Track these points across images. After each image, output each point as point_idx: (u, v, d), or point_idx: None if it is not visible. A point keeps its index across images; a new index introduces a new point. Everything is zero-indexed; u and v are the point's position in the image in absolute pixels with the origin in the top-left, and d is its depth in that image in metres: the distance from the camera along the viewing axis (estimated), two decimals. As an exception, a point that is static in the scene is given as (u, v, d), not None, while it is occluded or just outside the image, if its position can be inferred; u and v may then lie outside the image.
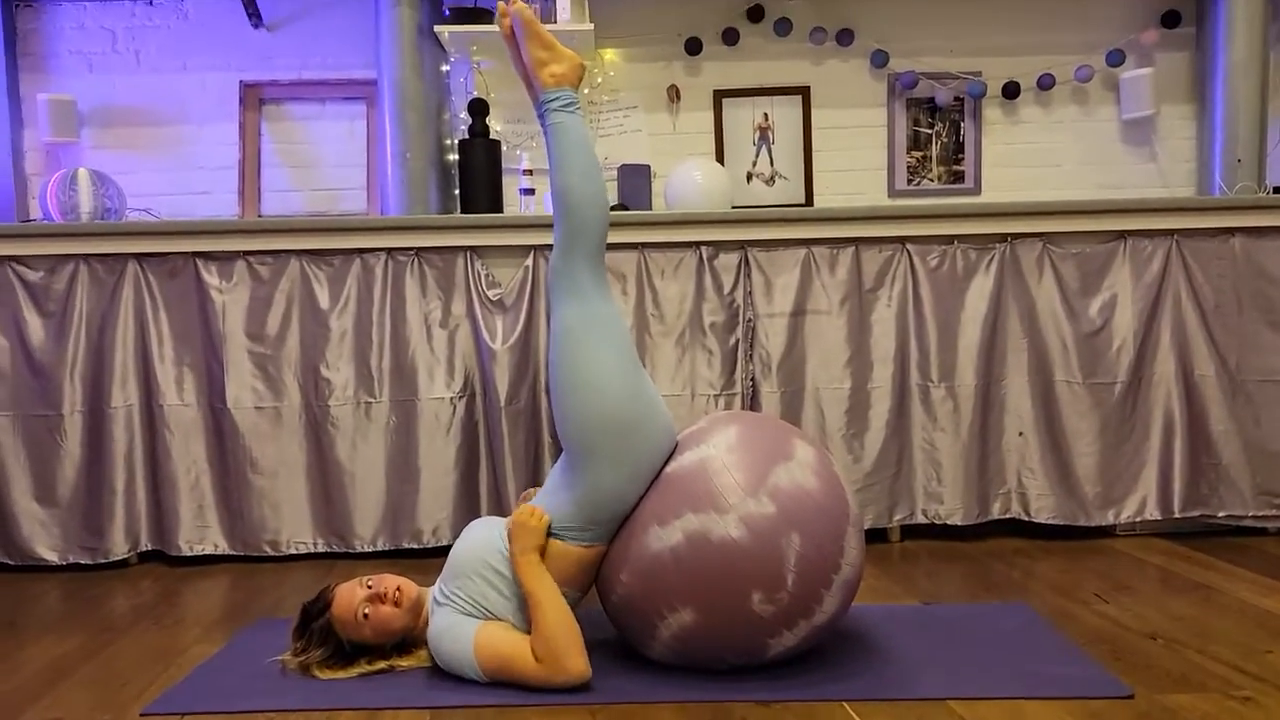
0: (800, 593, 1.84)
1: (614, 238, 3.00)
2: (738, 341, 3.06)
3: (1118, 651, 2.06)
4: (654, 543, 1.89)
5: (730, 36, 3.72)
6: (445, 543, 2.94)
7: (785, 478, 1.88)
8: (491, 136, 3.49)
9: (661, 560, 1.86)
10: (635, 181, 3.50)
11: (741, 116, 3.77)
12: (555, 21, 3.39)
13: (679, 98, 3.75)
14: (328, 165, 3.71)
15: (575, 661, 1.85)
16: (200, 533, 3.01)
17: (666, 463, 1.98)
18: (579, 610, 1.97)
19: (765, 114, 3.77)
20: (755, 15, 3.72)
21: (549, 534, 1.97)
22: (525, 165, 3.45)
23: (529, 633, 1.93)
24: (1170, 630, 2.19)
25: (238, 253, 3.00)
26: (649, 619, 1.91)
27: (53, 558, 2.97)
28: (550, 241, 2.97)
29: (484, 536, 2.04)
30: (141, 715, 1.86)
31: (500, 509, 2.98)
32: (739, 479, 1.87)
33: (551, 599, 1.88)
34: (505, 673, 1.88)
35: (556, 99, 2.04)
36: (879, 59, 3.73)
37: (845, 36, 3.73)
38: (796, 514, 1.85)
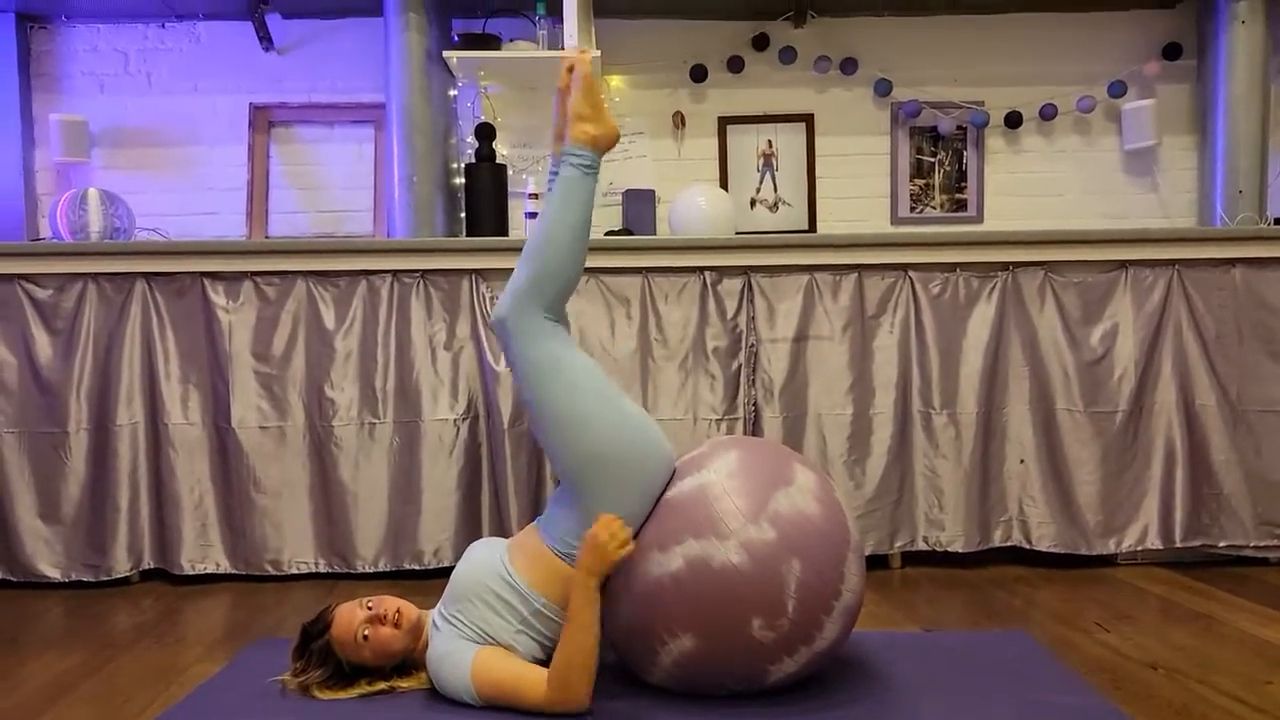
0: (801, 619, 1.84)
1: (618, 261, 3.04)
2: (740, 366, 3.07)
3: (1118, 681, 2.06)
4: (654, 568, 1.89)
5: (735, 64, 3.76)
6: (447, 564, 2.94)
7: (786, 503, 1.88)
8: (498, 160, 3.52)
9: (662, 586, 1.87)
10: (640, 207, 3.53)
11: (746, 143, 3.80)
12: (562, 47, 3.43)
13: (684, 124, 3.79)
14: (335, 187, 3.74)
15: (582, 692, 1.84)
16: (203, 551, 3.02)
17: (667, 487, 1.98)
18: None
19: (769, 141, 3.80)
20: (760, 43, 3.76)
21: (557, 553, 1.97)
22: (531, 189, 3.48)
23: (527, 659, 1.94)
24: (1171, 660, 2.19)
25: (245, 273, 3.02)
26: (649, 645, 1.90)
27: (55, 575, 2.97)
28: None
29: (485, 559, 2.04)
30: (142, 734, 1.86)
31: (502, 530, 2.99)
32: (739, 505, 1.87)
33: (591, 627, 1.85)
34: (501, 698, 1.88)
35: (580, 156, 2.06)
36: (882, 88, 3.77)
37: (849, 65, 3.77)
38: (797, 540, 1.85)
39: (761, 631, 1.83)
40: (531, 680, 1.87)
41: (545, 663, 1.96)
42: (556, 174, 2.09)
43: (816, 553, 1.86)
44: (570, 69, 2.11)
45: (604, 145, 2.10)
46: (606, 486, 1.93)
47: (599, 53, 3.47)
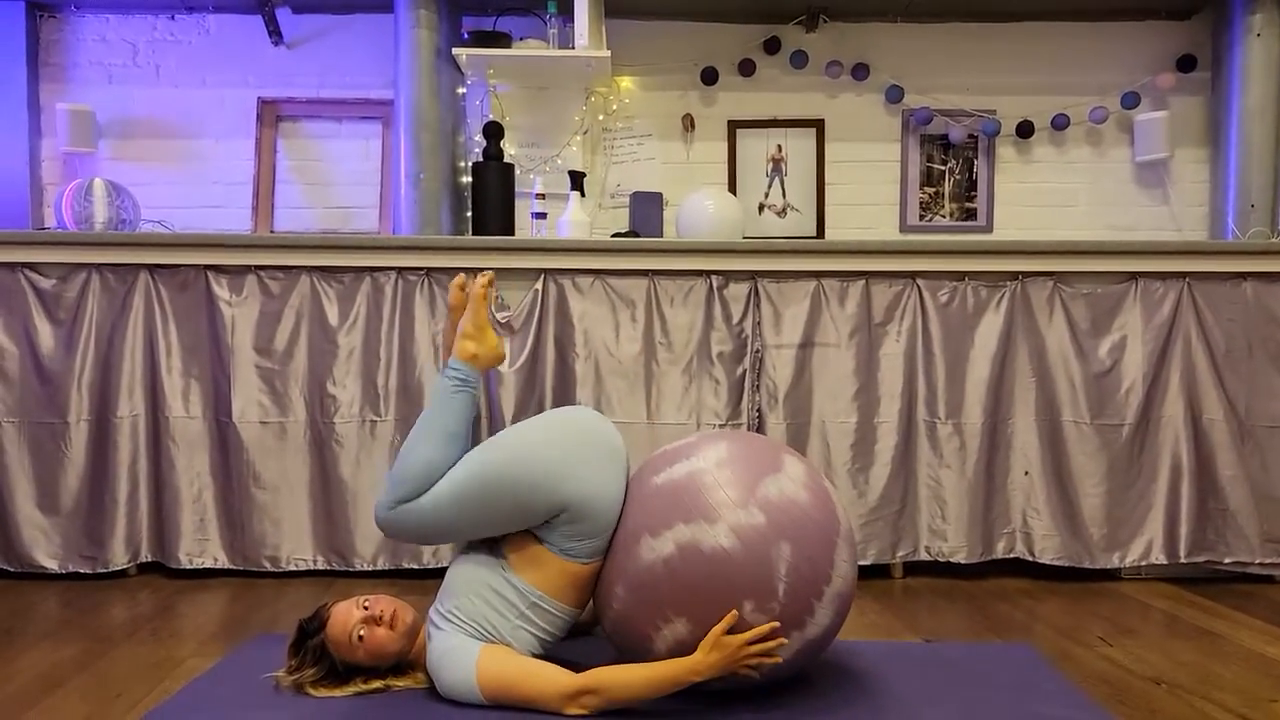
0: (792, 603, 1.83)
1: (625, 264, 3.03)
2: (745, 372, 3.05)
3: (1121, 695, 2.04)
4: (646, 554, 1.88)
5: (746, 68, 3.75)
6: (445, 564, 2.90)
7: (774, 489, 1.88)
8: (505, 160, 3.50)
9: (655, 571, 1.86)
10: (647, 209, 3.51)
11: (755, 148, 3.78)
12: (573, 48, 3.42)
13: (693, 127, 3.77)
14: (342, 184, 3.73)
15: (596, 706, 1.84)
16: (201, 546, 3.00)
17: (657, 473, 1.97)
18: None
19: (779, 146, 3.79)
20: (772, 47, 3.74)
21: (553, 549, 1.95)
22: (538, 189, 3.46)
23: (525, 654, 1.93)
24: (1174, 676, 2.16)
25: (249, 267, 3.01)
26: (644, 631, 1.89)
27: (52, 566, 2.96)
28: (561, 266, 3.01)
29: (481, 555, 2.03)
30: (133, 728, 1.84)
31: (501, 531, 2.96)
32: (729, 491, 1.87)
33: (653, 693, 1.84)
34: (507, 694, 1.87)
35: (458, 371, 2.12)
36: (894, 94, 3.75)
37: (861, 71, 3.75)
38: (786, 525, 1.85)
39: (753, 615, 1.82)
40: (544, 673, 1.87)
41: (544, 658, 1.95)
42: (441, 388, 2.13)
43: (806, 538, 1.85)
44: (462, 288, 2.21)
45: (484, 364, 2.16)
46: (563, 478, 1.93)
47: (608, 52, 3.45)
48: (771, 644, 1.81)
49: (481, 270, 2.32)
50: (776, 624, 1.82)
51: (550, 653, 2.00)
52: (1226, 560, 3.03)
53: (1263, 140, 3.51)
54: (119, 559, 2.97)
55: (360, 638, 1.96)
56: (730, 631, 1.81)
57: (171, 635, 2.44)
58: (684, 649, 1.86)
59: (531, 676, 1.86)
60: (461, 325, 2.17)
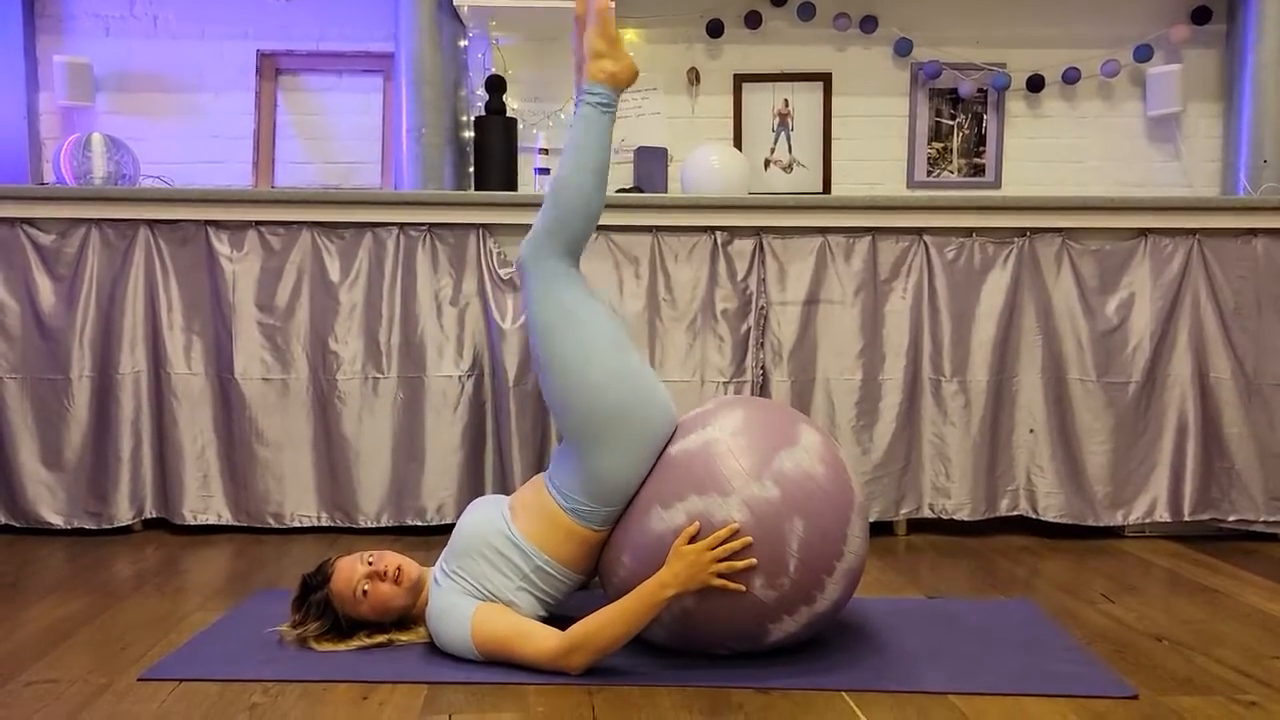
0: (802, 579, 1.82)
1: (628, 219, 2.99)
2: (749, 329, 3.03)
3: (1122, 651, 2.04)
4: (656, 524, 1.87)
5: (753, 20, 3.68)
6: (449, 521, 2.93)
7: (790, 463, 1.86)
8: (508, 114, 3.46)
9: (664, 542, 1.85)
10: (651, 164, 3.47)
11: (761, 102, 3.73)
12: (576, -1, 3.35)
13: (699, 81, 3.72)
14: (343, 138, 3.68)
15: (586, 665, 1.84)
16: (204, 502, 3.01)
17: (672, 443, 1.96)
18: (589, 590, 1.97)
19: (785, 100, 3.73)
20: (778, -1, 3.67)
21: (563, 509, 1.95)
22: (541, 144, 3.42)
23: (528, 616, 1.93)
24: (1176, 632, 2.17)
25: (249, 222, 2.99)
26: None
27: (57, 521, 2.97)
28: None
29: (487, 515, 2.03)
30: (139, 679, 1.86)
31: (505, 488, 2.97)
32: (743, 463, 1.85)
33: (635, 626, 1.84)
34: (502, 653, 1.87)
35: (598, 95, 2.02)
36: (903, 47, 3.69)
37: (869, 23, 3.68)
38: (801, 500, 1.83)
39: (762, 590, 1.81)
40: (535, 635, 1.87)
41: (546, 619, 1.95)
42: (578, 115, 2.04)
43: (820, 513, 1.84)
44: (584, 4, 2.07)
45: (622, 82, 2.05)
46: (613, 441, 1.91)
47: (612, 4, 3.38)
48: (736, 544, 1.79)
49: None
50: (736, 525, 1.80)
51: (553, 611, 2.00)
52: (1231, 518, 3.02)
53: (1277, 94, 3.44)
54: (123, 515, 2.98)
55: (364, 592, 1.97)
56: (734, 600, 1.81)
57: (176, 590, 2.45)
58: (690, 620, 1.86)
59: (523, 637, 1.86)
60: (589, 43, 2.04)
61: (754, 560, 1.80)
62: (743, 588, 1.80)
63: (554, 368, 1.96)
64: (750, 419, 1.94)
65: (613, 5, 2.06)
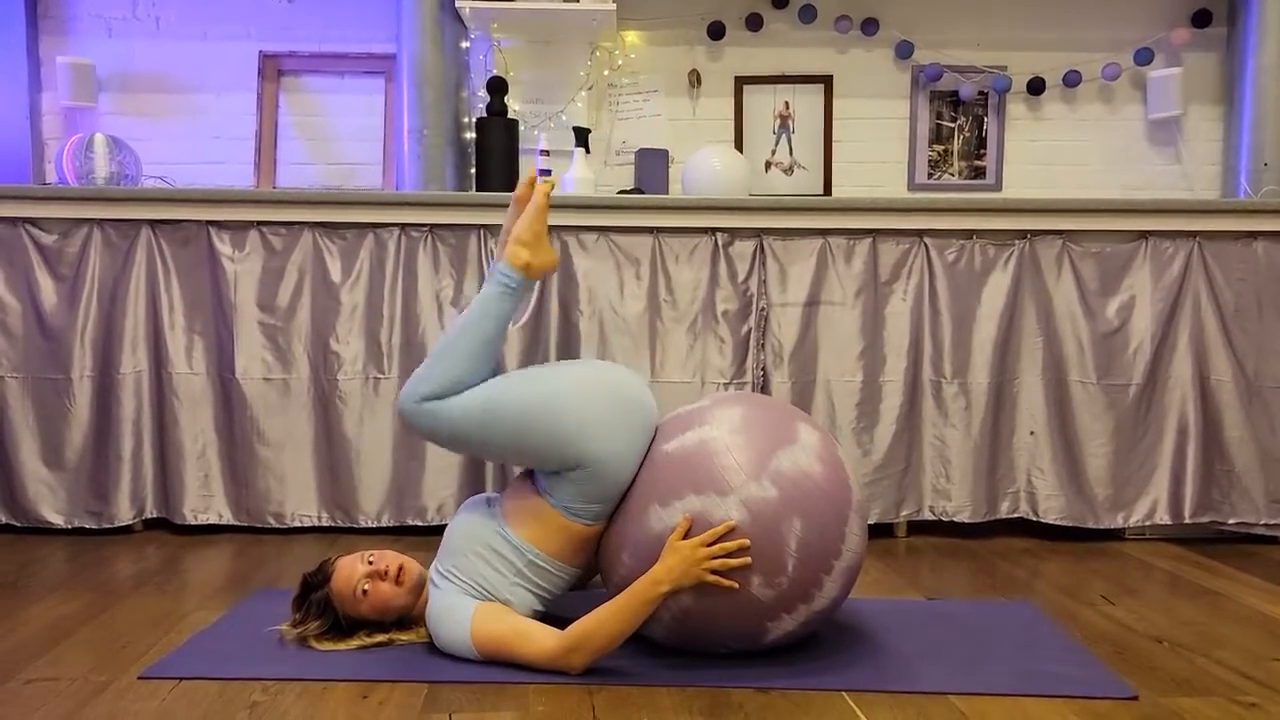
0: (801, 578, 1.82)
1: (629, 220, 3.00)
2: (750, 330, 3.04)
3: (1122, 653, 2.04)
4: (655, 523, 1.87)
5: (754, 22, 3.69)
6: (448, 520, 2.93)
7: (788, 462, 1.86)
8: (510, 115, 3.46)
9: (663, 540, 1.85)
10: (652, 166, 3.47)
11: (762, 104, 3.73)
12: (579, 2, 3.36)
13: (700, 83, 3.72)
14: (344, 139, 3.69)
15: (585, 664, 1.84)
16: (205, 502, 3.01)
17: (669, 440, 1.95)
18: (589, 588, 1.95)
19: (786, 102, 3.73)
20: (780, 1, 3.68)
21: (553, 506, 1.95)
22: (542, 145, 3.43)
23: (524, 612, 1.94)
24: (1176, 634, 2.17)
25: (251, 222, 2.99)
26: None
27: (58, 521, 2.97)
28: (565, 223, 2.98)
29: (478, 514, 2.03)
30: (139, 678, 1.86)
31: (505, 488, 2.96)
32: (741, 461, 1.85)
33: (632, 624, 1.84)
34: (501, 653, 1.87)
35: (508, 278, 2.06)
36: (904, 50, 3.69)
37: (870, 26, 3.69)
38: (799, 499, 1.83)
39: (761, 589, 1.81)
40: (534, 635, 1.87)
41: (542, 615, 1.95)
42: (487, 287, 2.08)
43: (818, 512, 1.84)
44: (532, 183, 2.14)
45: (535, 274, 2.09)
46: (597, 455, 1.91)
47: (614, 6, 3.39)
48: (731, 544, 1.80)
49: (546, 180, 2.24)
50: (733, 523, 1.81)
51: (551, 609, 2.00)
52: (1231, 521, 3.02)
53: (1278, 97, 3.44)
54: (124, 515, 2.98)
55: (364, 592, 1.97)
56: (733, 599, 1.81)
57: (176, 589, 2.46)
58: (689, 619, 1.86)
59: (521, 638, 1.86)
60: (518, 230, 2.09)
61: (749, 559, 1.80)
62: (736, 585, 1.80)
63: (514, 432, 1.95)
64: (748, 416, 1.94)
65: (549, 195, 2.13)
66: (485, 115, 3.44)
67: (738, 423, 1.92)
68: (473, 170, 3.52)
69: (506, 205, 2.96)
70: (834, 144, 3.73)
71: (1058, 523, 3.02)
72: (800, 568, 1.82)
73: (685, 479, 1.87)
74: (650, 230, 3.02)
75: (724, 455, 1.86)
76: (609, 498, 1.95)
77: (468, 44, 3.59)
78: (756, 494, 1.82)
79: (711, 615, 1.85)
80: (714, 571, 1.79)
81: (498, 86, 3.44)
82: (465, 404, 1.97)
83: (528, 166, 3.50)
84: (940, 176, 3.76)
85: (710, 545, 1.80)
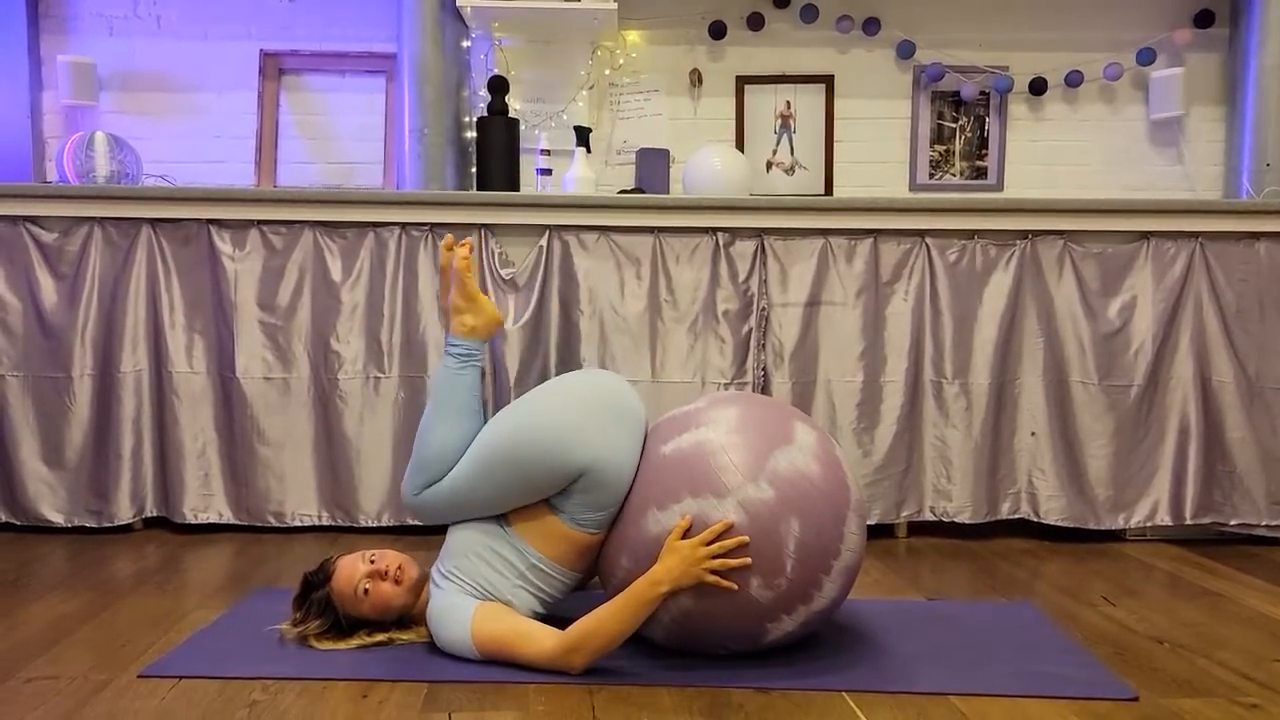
0: (800, 579, 1.82)
1: (630, 220, 3.00)
2: (751, 330, 3.03)
3: (1123, 654, 2.04)
4: (653, 526, 1.87)
5: (755, 21, 3.69)
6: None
7: (785, 462, 1.86)
8: (510, 115, 3.46)
9: (660, 544, 1.85)
10: (653, 165, 3.47)
11: (763, 104, 3.73)
12: (580, 1, 3.36)
13: (701, 82, 3.72)
14: (345, 138, 3.69)
15: (585, 664, 1.84)
16: (205, 501, 3.01)
17: (666, 442, 1.95)
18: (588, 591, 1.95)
19: (788, 102, 3.73)
20: (781, 0, 3.68)
21: (570, 522, 1.94)
22: (543, 145, 3.42)
23: (526, 614, 1.93)
24: (1177, 635, 2.16)
25: (252, 221, 2.99)
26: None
27: (58, 519, 2.97)
28: (565, 222, 2.98)
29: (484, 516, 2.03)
30: (139, 676, 1.86)
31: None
32: (738, 463, 1.85)
33: (631, 625, 1.83)
34: (501, 653, 1.87)
35: (460, 347, 2.11)
36: (905, 50, 3.69)
37: (871, 25, 3.68)
38: (796, 500, 1.83)
39: (760, 591, 1.81)
40: (535, 635, 1.86)
41: (543, 617, 1.95)
42: (445, 364, 2.11)
43: (816, 512, 1.83)
44: (450, 248, 2.15)
45: (482, 334, 2.13)
46: (578, 478, 1.91)
47: (615, 5, 3.39)
48: (730, 543, 1.79)
49: (461, 240, 2.28)
50: (730, 521, 1.80)
51: (551, 610, 2.00)
52: (1232, 522, 3.02)
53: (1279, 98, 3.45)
54: (124, 513, 2.98)
55: (365, 591, 1.97)
56: (732, 600, 1.81)
57: (176, 588, 2.45)
58: (688, 621, 1.86)
59: (522, 638, 1.86)
60: (453, 300, 2.14)
61: (748, 559, 1.80)
62: (735, 587, 1.80)
63: (499, 489, 1.96)
64: (745, 417, 1.93)
65: (470, 258, 2.15)
66: (486, 114, 3.44)
67: (734, 423, 1.92)
68: (473, 169, 3.51)
69: (506, 205, 3.00)
70: (835, 144, 3.73)
71: (1058, 524, 3.02)
72: (799, 568, 1.82)
73: (682, 482, 1.86)
74: (651, 230, 3.01)
75: (720, 456, 1.86)
76: (614, 500, 1.94)
77: (469, 43, 3.59)
78: (754, 495, 1.82)
79: (711, 617, 1.85)
80: (713, 572, 1.79)
81: (499, 86, 3.44)
82: (454, 475, 2.00)
83: (527, 166, 3.50)
84: (941, 177, 3.76)
85: (709, 544, 1.79)
